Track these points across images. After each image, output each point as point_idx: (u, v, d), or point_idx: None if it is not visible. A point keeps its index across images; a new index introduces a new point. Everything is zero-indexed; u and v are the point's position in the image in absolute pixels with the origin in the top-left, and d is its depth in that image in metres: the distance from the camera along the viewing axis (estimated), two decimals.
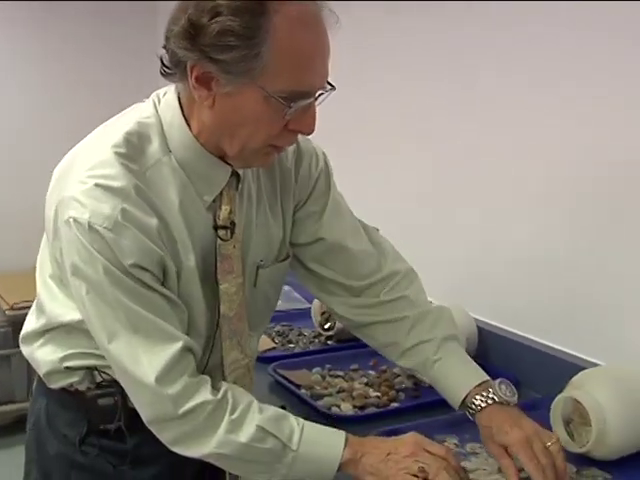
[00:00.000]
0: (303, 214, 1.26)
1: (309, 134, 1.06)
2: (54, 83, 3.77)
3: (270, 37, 0.95)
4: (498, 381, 1.17)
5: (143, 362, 1.03)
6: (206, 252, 1.12)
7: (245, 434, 1.04)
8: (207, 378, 1.08)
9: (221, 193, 1.11)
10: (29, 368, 1.28)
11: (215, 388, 1.07)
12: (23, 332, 1.25)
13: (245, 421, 1.05)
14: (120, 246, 1.00)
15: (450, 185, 1.92)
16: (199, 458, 1.07)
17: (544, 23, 1.58)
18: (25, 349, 1.24)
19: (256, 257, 1.20)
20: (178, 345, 1.04)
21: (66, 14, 3.74)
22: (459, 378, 1.20)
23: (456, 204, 1.89)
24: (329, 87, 1.03)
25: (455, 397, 1.19)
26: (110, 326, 1.04)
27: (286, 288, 2.21)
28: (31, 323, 1.24)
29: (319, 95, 1.03)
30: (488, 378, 1.19)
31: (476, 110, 1.80)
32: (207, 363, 1.17)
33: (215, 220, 1.11)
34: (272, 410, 1.08)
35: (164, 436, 1.07)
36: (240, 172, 1.13)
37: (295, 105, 0.99)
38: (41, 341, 1.21)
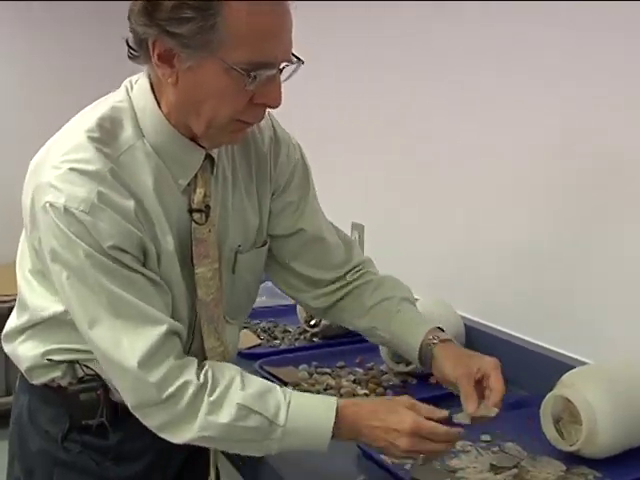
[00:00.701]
0: (280, 204, 1.26)
1: (275, 107, 1.06)
2: (31, 79, 3.74)
3: (225, 7, 0.95)
4: None
5: (125, 346, 1.02)
6: (183, 236, 1.11)
7: (226, 414, 1.03)
8: (193, 359, 1.07)
9: (196, 176, 1.11)
10: (7, 363, 1.26)
11: (200, 369, 1.06)
12: (5, 330, 1.23)
13: (225, 401, 1.04)
14: (98, 229, 1.00)
15: (434, 183, 1.92)
16: (188, 443, 1.05)
17: (535, 22, 1.58)
18: (7, 346, 1.23)
19: (233, 242, 1.19)
20: (162, 328, 1.03)
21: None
22: (416, 326, 1.25)
23: (441, 202, 1.89)
24: (295, 60, 1.03)
25: (414, 341, 1.22)
26: (92, 311, 1.03)
27: (269, 284, 2.19)
28: (13, 320, 1.22)
29: (284, 68, 1.02)
30: (440, 326, 1.25)
31: (461, 109, 1.80)
32: (190, 349, 1.15)
33: (190, 203, 1.11)
34: (257, 385, 1.07)
35: (149, 422, 1.06)
36: (214, 155, 1.13)
37: (257, 75, 0.98)
38: (23, 337, 1.19)
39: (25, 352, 1.18)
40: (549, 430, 1.23)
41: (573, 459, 1.21)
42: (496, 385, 1.12)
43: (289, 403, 1.05)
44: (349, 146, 2.24)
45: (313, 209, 1.30)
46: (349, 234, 2.09)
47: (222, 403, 1.03)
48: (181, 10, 0.95)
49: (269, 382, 1.09)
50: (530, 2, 1.56)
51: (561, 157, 1.55)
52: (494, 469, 1.17)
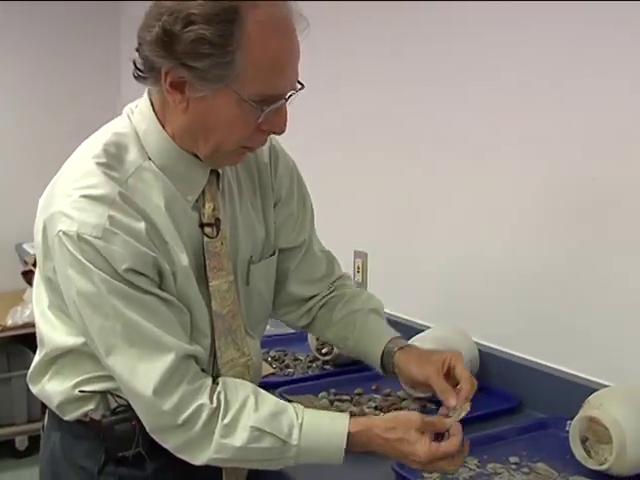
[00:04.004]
0: (282, 216, 1.30)
1: (281, 133, 1.10)
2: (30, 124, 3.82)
3: (243, 44, 0.98)
4: None
5: (140, 374, 1.04)
6: (197, 251, 1.14)
7: (239, 438, 1.05)
8: (207, 382, 1.08)
9: (203, 191, 1.14)
10: (29, 391, 1.25)
11: (214, 391, 1.08)
12: (30, 370, 1.22)
13: (239, 424, 1.06)
14: (111, 253, 1.01)
15: (440, 209, 1.95)
16: (207, 464, 1.07)
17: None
18: (34, 388, 1.22)
19: (245, 254, 1.22)
20: (176, 354, 1.05)
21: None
22: (377, 335, 1.29)
23: (448, 229, 1.92)
24: (299, 86, 1.07)
25: (376, 350, 1.27)
26: (107, 340, 1.05)
27: None
28: (36, 360, 1.21)
29: (289, 96, 1.06)
30: (400, 335, 1.29)
31: (454, 129, 1.85)
32: (214, 363, 1.17)
33: (200, 218, 1.14)
34: (270, 405, 1.09)
35: (167, 445, 1.09)
36: (219, 170, 1.16)
37: (267, 108, 1.02)
38: (49, 375, 1.18)
39: (54, 388, 1.17)
40: (578, 450, 1.28)
41: (602, 477, 1.25)
42: (463, 374, 1.15)
43: (302, 423, 1.07)
44: (349, 172, 2.27)
45: (309, 221, 1.35)
46: (352, 262, 2.15)
47: (236, 426, 1.05)
48: (200, 45, 0.97)
49: (282, 401, 1.11)
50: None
51: (564, 179, 1.59)
52: None
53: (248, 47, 0.98)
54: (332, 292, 1.37)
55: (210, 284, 1.14)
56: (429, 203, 1.98)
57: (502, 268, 1.75)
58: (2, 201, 3.81)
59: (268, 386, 1.63)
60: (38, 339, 1.19)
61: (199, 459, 1.07)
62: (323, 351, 1.84)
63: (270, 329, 2.05)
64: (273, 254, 1.28)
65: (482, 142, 1.79)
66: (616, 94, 1.47)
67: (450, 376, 1.17)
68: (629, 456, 1.22)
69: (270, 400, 1.10)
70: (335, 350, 1.80)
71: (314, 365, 1.85)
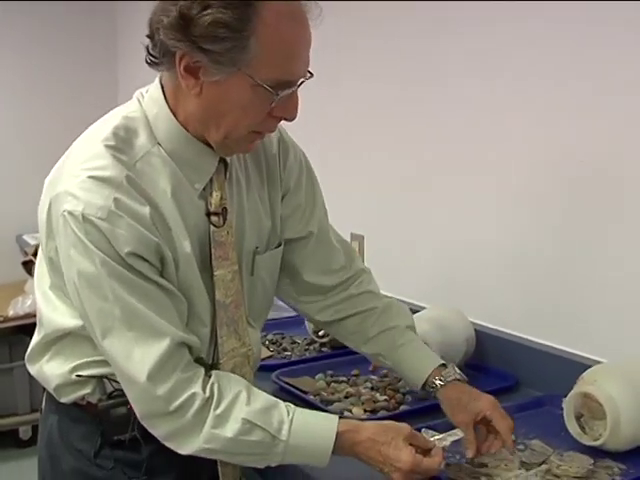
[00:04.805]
0: (290, 208, 1.29)
1: (292, 119, 1.10)
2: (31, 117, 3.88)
3: (258, 29, 0.99)
4: (450, 364, 1.30)
5: (136, 359, 1.05)
6: (202, 240, 1.14)
7: (230, 429, 1.06)
8: (200, 372, 1.09)
9: (211, 180, 1.14)
10: (31, 380, 1.25)
11: (207, 382, 1.08)
12: (28, 351, 1.23)
13: (231, 415, 1.06)
14: (115, 235, 1.02)
15: (436, 190, 1.95)
16: (192, 454, 1.08)
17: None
18: (32, 368, 1.23)
19: (251, 244, 1.22)
20: (171, 341, 1.05)
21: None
22: (420, 362, 1.30)
23: (444, 210, 1.93)
24: (309, 75, 1.08)
25: (417, 379, 1.29)
26: (105, 321, 1.05)
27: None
28: (34, 340, 1.22)
29: (301, 83, 1.07)
30: (443, 362, 1.30)
31: (464, 119, 1.84)
32: (214, 352, 1.17)
33: (207, 207, 1.13)
34: (262, 400, 1.09)
35: (156, 432, 1.09)
36: (227, 159, 1.16)
37: (281, 93, 1.03)
38: (47, 356, 1.19)
39: (52, 371, 1.18)
40: (573, 426, 1.28)
41: (597, 453, 1.25)
42: (502, 426, 1.18)
43: (292, 419, 1.08)
44: (346, 155, 2.27)
45: (320, 211, 1.34)
46: None
47: (228, 417, 1.06)
48: (216, 29, 0.98)
49: (273, 397, 1.11)
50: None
51: (563, 162, 1.59)
52: (525, 466, 1.20)
53: (263, 32, 0.99)
54: (360, 298, 1.36)
55: (215, 273, 1.14)
56: (426, 186, 1.98)
57: (498, 249, 1.76)
58: (2, 193, 3.83)
59: (266, 369, 1.65)
60: (38, 319, 1.20)
61: (187, 448, 1.07)
62: (320, 333, 1.85)
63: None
64: (279, 245, 1.28)
65: (478, 128, 1.80)
66: (617, 87, 1.47)
67: (485, 422, 1.20)
68: (623, 432, 1.22)
69: (262, 395, 1.10)
70: None
71: (311, 348, 1.86)
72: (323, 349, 1.85)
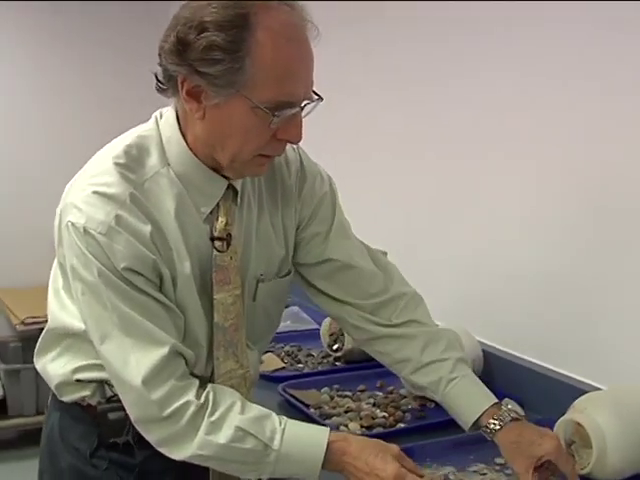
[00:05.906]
0: (308, 235, 1.29)
1: (296, 142, 1.11)
2: (57, 98, 3.83)
3: (253, 50, 1.00)
4: (504, 401, 1.21)
5: (132, 364, 1.07)
6: (203, 263, 1.15)
7: (224, 435, 1.07)
8: (195, 382, 1.11)
9: (218, 205, 1.15)
10: (37, 381, 1.31)
11: (202, 391, 1.10)
12: (37, 347, 1.28)
13: (224, 423, 1.08)
14: (113, 250, 1.05)
15: (455, 210, 1.94)
16: (185, 460, 1.09)
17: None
18: (38, 363, 1.27)
19: (256, 271, 1.23)
20: (167, 349, 1.07)
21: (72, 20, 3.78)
22: (472, 400, 1.23)
23: (461, 229, 1.91)
24: (315, 97, 1.08)
25: (468, 418, 1.22)
26: (103, 328, 1.08)
27: (294, 309, 2.25)
28: (43, 333, 1.27)
29: (305, 105, 1.07)
30: (497, 400, 1.23)
31: (486, 138, 1.83)
32: (212, 373, 1.19)
33: (212, 231, 1.15)
34: (256, 410, 1.11)
35: (149, 437, 1.11)
36: (238, 186, 1.17)
37: (280, 115, 1.03)
38: (53, 354, 1.24)
39: (55, 370, 1.23)
40: None
41: None
42: (567, 470, 1.14)
43: (284, 430, 1.09)
44: (369, 172, 2.28)
45: (341, 238, 1.31)
46: None
47: (222, 424, 1.07)
48: (211, 51, 1.00)
49: (266, 409, 1.12)
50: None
51: (581, 186, 1.57)
52: None
53: (257, 52, 1.00)
54: (404, 321, 1.30)
55: (214, 296, 1.16)
56: (437, 205, 1.98)
57: (506, 270, 1.74)
58: (42, 196, 3.92)
59: (275, 380, 1.69)
60: (48, 314, 1.25)
61: (180, 454, 1.09)
62: (334, 347, 1.87)
63: (288, 324, 2.11)
64: (287, 274, 1.29)
65: (494, 144, 1.79)
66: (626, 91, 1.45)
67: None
68: (610, 461, 1.19)
69: (256, 407, 1.12)
70: (346, 346, 1.83)
71: (325, 361, 1.88)
72: (337, 363, 1.87)
